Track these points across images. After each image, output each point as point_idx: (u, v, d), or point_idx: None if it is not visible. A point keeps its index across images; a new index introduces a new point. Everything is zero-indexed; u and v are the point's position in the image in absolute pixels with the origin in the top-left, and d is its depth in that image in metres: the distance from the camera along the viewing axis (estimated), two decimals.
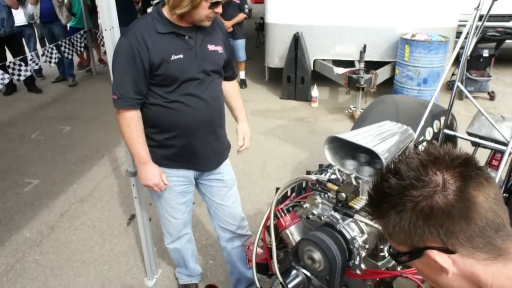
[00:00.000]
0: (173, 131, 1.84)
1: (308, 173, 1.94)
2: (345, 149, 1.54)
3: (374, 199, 0.77)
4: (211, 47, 1.83)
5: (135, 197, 2.27)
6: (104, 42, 6.75)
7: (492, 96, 5.65)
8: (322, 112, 5.30)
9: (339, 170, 1.51)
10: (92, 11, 7.11)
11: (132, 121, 1.77)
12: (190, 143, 1.88)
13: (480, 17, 2.40)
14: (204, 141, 1.91)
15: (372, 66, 5.19)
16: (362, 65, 4.84)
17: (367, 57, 4.99)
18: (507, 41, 5.70)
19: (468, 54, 2.49)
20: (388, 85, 5.39)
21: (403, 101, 2.87)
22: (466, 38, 2.42)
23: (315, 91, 5.49)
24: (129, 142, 1.81)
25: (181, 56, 1.73)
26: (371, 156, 1.52)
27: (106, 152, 4.21)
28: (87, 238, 2.94)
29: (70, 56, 6.32)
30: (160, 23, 1.72)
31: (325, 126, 4.85)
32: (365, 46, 4.90)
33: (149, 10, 8.70)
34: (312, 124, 4.92)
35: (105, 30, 1.95)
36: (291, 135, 4.51)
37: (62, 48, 6.08)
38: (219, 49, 1.87)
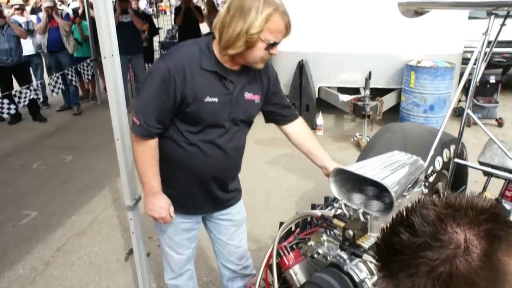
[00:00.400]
0: (182, 174, 1.71)
1: (313, 206, 1.83)
2: (351, 182, 1.45)
3: (383, 253, 0.64)
4: (248, 96, 1.67)
5: (132, 232, 2.18)
6: None
7: (500, 123, 5.55)
8: (328, 141, 5.21)
9: (345, 205, 1.42)
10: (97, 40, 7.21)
11: (149, 149, 1.63)
12: (196, 192, 1.76)
13: (488, 43, 2.34)
14: (212, 192, 1.78)
15: (378, 93, 5.14)
16: (368, 92, 4.78)
17: (372, 84, 4.94)
18: None
19: (478, 80, 2.41)
20: (394, 112, 5.32)
21: (411, 129, 2.78)
22: (474, 64, 2.35)
23: (320, 119, 5.43)
24: (142, 170, 1.67)
25: (216, 99, 1.58)
26: (380, 189, 1.42)
27: (107, 182, 4.13)
28: (82, 275, 2.82)
29: (75, 84, 6.35)
30: (206, 58, 1.56)
31: (331, 154, 4.64)
32: (370, 73, 4.87)
33: (155, 39, 8.81)
34: None
35: (105, 57, 1.91)
36: (296, 165, 4.41)
37: (69, 77, 6.12)
38: (256, 98, 1.71)
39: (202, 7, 10.78)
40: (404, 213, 0.63)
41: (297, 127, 1.90)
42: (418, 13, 2.74)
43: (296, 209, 3.57)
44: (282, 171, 4.30)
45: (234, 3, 1.47)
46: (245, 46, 1.48)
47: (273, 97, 1.81)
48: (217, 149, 1.67)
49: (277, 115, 1.86)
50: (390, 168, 1.38)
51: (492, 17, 2.28)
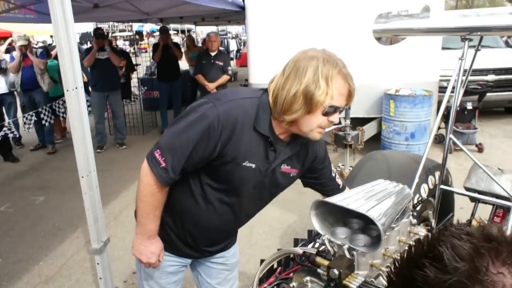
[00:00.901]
0: (184, 223, 1.54)
1: (296, 241, 1.70)
2: (335, 214, 1.33)
3: None
4: (285, 168, 1.48)
5: (100, 278, 1.99)
6: (88, 108, 6.60)
7: (480, 148, 5.58)
8: None
9: (329, 240, 1.29)
10: None
11: (161, 194, 1.42)
12: (195, 243, 1.59)
13: (464, 71, 2.32)
14: (211, 242, 1.63)
15: (358, 122, 5.12)
16: (348, 121, 4.75)
17: (352, 114, 4.93)
18: (487, 93, 5.76)
19: (458, 105, 2.38)
20: (376, 141, 5.30)
21: (394, 157, 2.72)
22: (452, 91, 2.33)
23: None
24: (144, 211, 1.46)
25: (253, 165, 1.40)
26: (365, 222, 1.30)
27: (80, 223, 3.90)
28: None
29: (50, 122, 6.17)
30: (263, 119, 1.36)
31: None
32: None
33: (133, 76, 8.75)
34: (300, 185, 4.66)
35: (67, 90, 1.79)
36: (278, 198, 4.17)
37: (42, 115, 5.94)
38: (293, 172, 1.51)
39: (181, 43, 10.87)
40: (428, 242, 0.50)
41: None
42: (393, 40, 2.73)
43: (279, 244, 3.41)
44: None
45: (289, 63, 1.32)
46: (303, 110, 1.28)
47: (315, 171, 1.62)
48: (231, 214, 1.51)
49: (318, 186, 1.67)
50: (376, 199, 1.27)
51: (466, 42, 2.28)
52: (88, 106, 7.04)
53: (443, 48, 5.65)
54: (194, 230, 1.55)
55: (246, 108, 1.35)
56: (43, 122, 5.96)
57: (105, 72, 6.03)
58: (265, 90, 1.40)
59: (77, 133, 1.79)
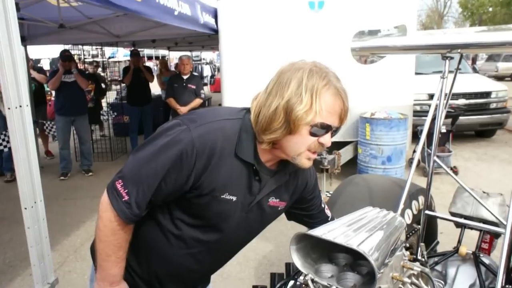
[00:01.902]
0: (150, 263, 1.29)
1: (273, 277, 1.49)
2: (318, 249, 1.14)
3: None
4: (273, 201, 1.28)
5: None
6: (53, 133, 6.26)
7: (455, 172, 5.56)
8: None
9: (313, 281, 1.09)
10: (41, 102, 6.79)
11: (122, 229, 1.18)
12: (161, 284, 1.33)
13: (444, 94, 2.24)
14: (181, 286, 1.37)
15: (334, 146, 5.01)
16: None
17: None
18: (460, 117, 5.81)
19: (441, 125, 2.28)
20: (352, 166, 5.20)
21: (375, 181, 2.57)
22: (435, 111, 2.24)
23: None
24: (104, 253, 1.20)
25: (234, 198, 1.19)
26: (354, 257, 1.12)
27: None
28: None
29: (8, 148, 5.77)
30: (246, 145, 1.16)
31: None
32: None
33: (103, 101, 8.46)
34: None
35: (9, 108, 1.56)
36: None
37: (0, 141, 5.56)
38: (282, 205, 1.32)
39: (154, 69, 10.70)
40: None
41: None
42: (371, 59, 2.65)
43: (254, 276, 3.17)
44: None
45: (273, 77, 1.14)
46: (284, 130, 1.09)
47: (304, 202, 1.42)
48: (207, 254, 1.29)
49: (305, 218, 1.48)
50: (365, 230, 1.09)
51: (447, 61, 2.21)
52: (54, 131, 6.72)
53: (416, 73, 5.71)
54: (162, 272, 1.30)
55: (226, 132, 1.14)
56: (1, 147, 5.57)
57: (71, 95, 5.75)
58: (248, 110, 1.19)
59: (20, 156, 1.56)
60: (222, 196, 1.16)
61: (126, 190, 1.11)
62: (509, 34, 2.01)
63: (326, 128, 1.10)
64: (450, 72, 2.18)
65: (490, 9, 14.14)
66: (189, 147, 1.08)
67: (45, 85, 6.90)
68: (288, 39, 5.14)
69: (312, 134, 1.10)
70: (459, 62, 2.38)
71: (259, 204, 1.25)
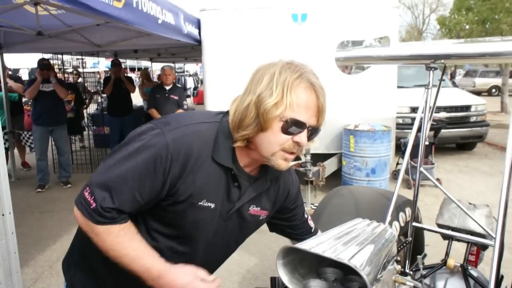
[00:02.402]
0: (118, 275, 1.17)
1: (273, 281, 1.40)
2: (306, 263, 1.07)
3: None
4: (253, 210, 1.22)
5: None
6: (30, 143, 6.06)
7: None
8: None
9: None
10: (18, 112, 6.59)
11: (122, 230, 1.07)
12: None
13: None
14: None
15: (319, 158, 4.99)
16: (309, 157, 4.60)
17: (312, 150, 4.79)
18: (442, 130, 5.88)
19: (425, 138, 2.26)
20: (336, 178, 5.17)
21: (361, 193, 2.53)
22: (420, 123, 2.22)
23: None
24: (121, 255, 1.07)
25: (212, 205, 1.12)
26: (344, 271, 1.05)
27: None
28: None
29: None
30: (223, 149, 1.10)
31: None
32: None
33: (85, 113, 8.29)
34: None
35: None
36: None
37: None
38: (263, 214, 1.25)
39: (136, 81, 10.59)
40: None
41: None
42: (356, 69, 2.63)
43: None
44: None
45: (251, 76, 1.12)
46: (256, 126, 1.04)
47: (286, 212, 1.35)
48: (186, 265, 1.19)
49: (288, 229, 1.41)
50: (356, 243, 1.03)
51: (431, 72, 2.20)
52: (31, 142, 6.53)
53: (398, 87, 5.76)
54: (135, 285, 1.18)
55: (202, 135, 1.09)
56: None
57: (50, 105, 5.58)
58: (226, 113, 1.14)
59: None
60: (199, 203, 1.10)
61: (93, 197, 1.03)
62: (492, 45, 2.02)
63: (299, 125, 1.04)
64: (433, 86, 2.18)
65: (467, 26, 14.54)
66: (163, 152, 1.02)
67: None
68: (271, 52, 5.12)
69: (285, 131, 1.04)
70: (443, 73, 2.38)
71: (239, 212, 1.19)
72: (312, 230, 1.42)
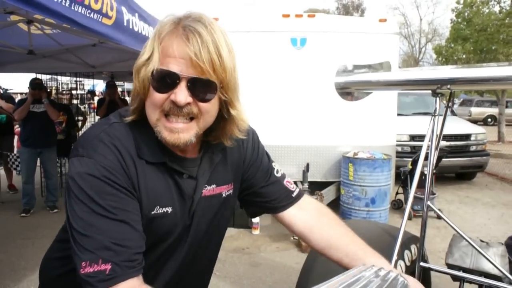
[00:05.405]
0: None
1: None
2: None
3: None
4: (214, 189, 1.06)
5: None
6: (16, 166, 5.85)
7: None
8: (265, 241, 4.62)
9: None
10: (7, 132, 6.41)
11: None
12: None
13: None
14: None
15: (317, 187, 4.81)
16: (306, 185, 4.42)
17: (310, 178, 4.63)
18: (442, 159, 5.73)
19: (433, 167, 2.10)
20: (335, 207, 4.97)
21: (362, 227, 2.33)
22: (427, 151, 2.07)
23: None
24: None
25: (169, 209, 0.97)
26: None
27: None
28: None
29: None
30: (145, 142, 0.95)
31: (269, 257, 4.14)
32: (308, 164, 4.56)
33: (78, 135, 8.11)
34: (254, 256, 4.19)
35: None
36: (230, 271, 3.72)
37: None
38: (225, 189, 1.10)
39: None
40: None
41: (303, 207, 1.18)
42: (356, 96, 2.49)
43: None
44: (213, 279, 3.55)
45: None
46: (137, 95, 0.92)
47: (250, 178, 1.17)
48: (178, 278, 1.09)
49: (263, 203, 1.19)
50: None
51: (438, 98, 2.08)
52: (18, 164, 6.30)
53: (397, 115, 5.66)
54: None
55: (119, 136, 0.93)
56: None
57: (39, 126, 5.39)
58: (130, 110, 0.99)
59: None
60: (152, 213, 0.95)
61: (95, 262, 0.84)
62: (501, 70, 1.88)
63: (171, 77, 0.86)
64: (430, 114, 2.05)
65: (464, 56, 14.69)
66: (107, 173, 0.88)
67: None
68: (271, 76, 5.03)
69: (156, 87, 0.88)
70: (449, 100, 2.24)
71: (201, 205, 1.03)
72: (294, 195, 1.19)
